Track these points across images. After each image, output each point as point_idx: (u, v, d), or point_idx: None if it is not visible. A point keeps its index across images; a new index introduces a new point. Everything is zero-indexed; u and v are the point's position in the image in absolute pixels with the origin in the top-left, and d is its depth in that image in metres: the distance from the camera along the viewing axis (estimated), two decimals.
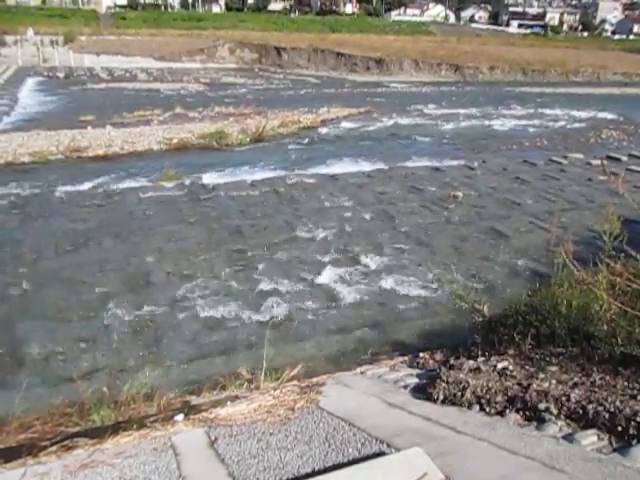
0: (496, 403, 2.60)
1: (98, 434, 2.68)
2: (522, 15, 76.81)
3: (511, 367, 2.92)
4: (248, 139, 15.61)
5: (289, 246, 7.31)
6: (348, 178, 11.05)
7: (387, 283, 6.14)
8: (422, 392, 2.94)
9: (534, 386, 2.61)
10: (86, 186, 10.33)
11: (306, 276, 6.36)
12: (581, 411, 2.37)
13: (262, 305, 5.60)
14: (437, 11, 77.35)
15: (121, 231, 7.92)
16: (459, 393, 2.73)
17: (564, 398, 2.47)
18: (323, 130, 17.08)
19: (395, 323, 5.31)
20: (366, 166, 12.15)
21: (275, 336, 4.93)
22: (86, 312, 5.48)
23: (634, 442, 2.14)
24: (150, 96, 23.57)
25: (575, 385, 2.60)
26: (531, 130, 17.41)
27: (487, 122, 18.98)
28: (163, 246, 7.30)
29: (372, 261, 6.73)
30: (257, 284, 6.13)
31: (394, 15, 74.37)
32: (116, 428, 2.74)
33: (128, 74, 34.42)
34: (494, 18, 78.55)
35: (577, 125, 18.78)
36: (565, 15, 78.56)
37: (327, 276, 6.30)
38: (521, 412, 2.54)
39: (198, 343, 4.94)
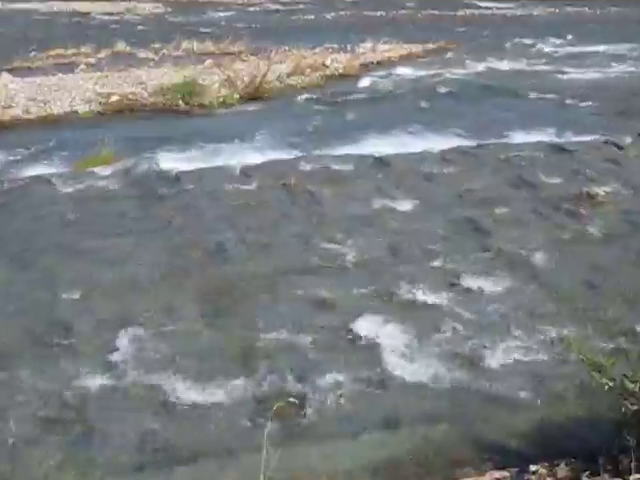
0: None
1: None
2: None
3: None
4: (237, 96, 15.75)
5: (304, 278, 7.21)
6: (406, 163, 10.98)
7: (471, 343, 5.99)
8: None
9: None
10: None
11: (332, 330, 6.26)
12: None
13: (259, 378, 5.50)
14: None
15: (24, 248, 7.89)
16: None
17: None
18: (364, 81, 17.23)
19: (486, 413, 5.20)
20: (437, 143, 12.14)
21: (280, 432, 4.85)
22: None
23: None
24: (75, 24, 24.15)
25: None
26: None
27: None
28: (93, 275, 7.25)
29: (445, 306, 6.60)
30: (250, 342, 6.01)
31: None
32: None
33: None
34: None
35: None
36: None
37: (366, 331, 6.19)
38: None
39: (150, 443, 4.85)
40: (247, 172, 10.56)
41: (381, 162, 11.07)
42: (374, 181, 10.19)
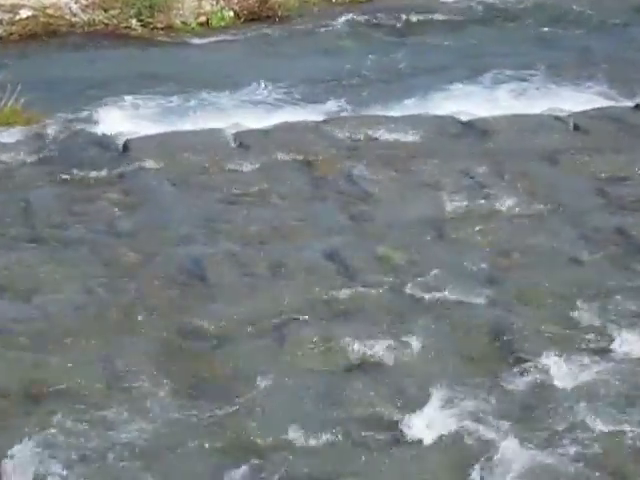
0: None
1: None
2: None
3: None
4: (231, 14, 15.79)
5: (337, 329, 6.82)
6: (512, 132, 10.67)
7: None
8: None
9: None
10: None
11: (379, 426, 5.88)
12: None
13: None
14: None
15: None
16: None
17: None
18: None
19: None
20: (567, 100, 11.96)
21: None
22: None
23: None
24: None
25: None
26: None
27: None
28: None
29: (587, 387, 6.22)
30: (244, 442, 5.73)
31: None
32: None
33: None
34: None
35: None
36: None
37: (447, 436, 5.77)
38: None
39: None
40: (246, 141, 10.29)
41: (470, 129, 10.80)
42: (458, 161, 9.79)
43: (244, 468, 5.50)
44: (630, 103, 11.81)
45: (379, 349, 6.64)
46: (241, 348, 6.67)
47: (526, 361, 6.51)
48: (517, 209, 8.85)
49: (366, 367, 6.50)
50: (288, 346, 6.69)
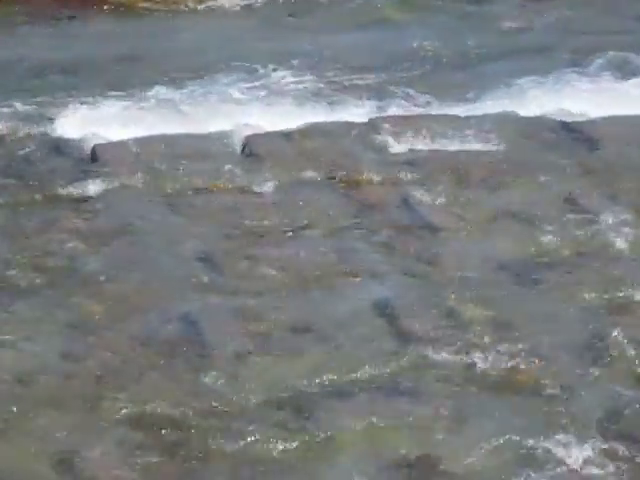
0: None
1: None
2: None
3: None
4: None
5: (394, 417, 6.61)
6: (635, 140, 10.36)
7: None
8: None
9: None
10: None
11: None
12: None
13: None
14: None
15: None
16: None
17: None
18: None
19: None
20: None
21: None
22: None
23: None
24: None
25: None
26: None
27: None
28: None
29: None
30: None
31: None
32: None
33: None
34: None
35: None
36: None
37: None
38: None
39: None
40: (260, 150, 9.96)
41: (571, 135, 10.43)
42: (555, 179, 9.46)
43: None
44: None
45: (439, 442, 6.40)
46: (249, 440, 6.31)
47: None
48: (637, 245, 8.62)
49: (421, 464, 6.25)
50: (315, 435, 6.44)
